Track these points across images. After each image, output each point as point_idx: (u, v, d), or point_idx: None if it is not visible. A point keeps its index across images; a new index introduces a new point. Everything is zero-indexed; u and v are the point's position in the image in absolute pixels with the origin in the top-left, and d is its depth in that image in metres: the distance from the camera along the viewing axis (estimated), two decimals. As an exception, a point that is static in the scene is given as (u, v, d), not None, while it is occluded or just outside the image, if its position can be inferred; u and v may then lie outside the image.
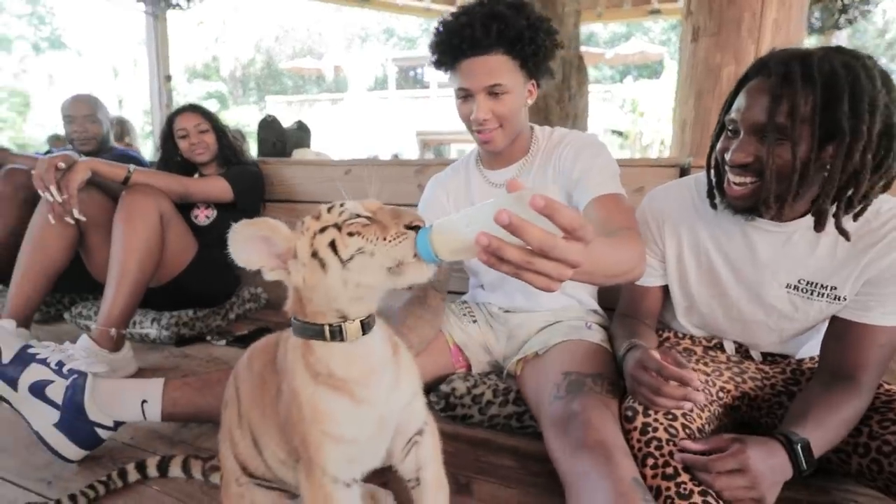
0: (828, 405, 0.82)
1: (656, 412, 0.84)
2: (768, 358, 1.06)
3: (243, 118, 17.12)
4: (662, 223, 1.06)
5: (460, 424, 1.16)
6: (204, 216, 1.85)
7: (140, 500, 0.90)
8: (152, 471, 0.95)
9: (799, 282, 0.92)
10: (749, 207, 0.87)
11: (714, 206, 0.96)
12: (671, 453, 0.77)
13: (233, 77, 18.88)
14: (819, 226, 0.82)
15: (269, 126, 3.13)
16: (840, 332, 0.89)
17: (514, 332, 1.24)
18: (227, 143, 1.92)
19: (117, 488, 0.92)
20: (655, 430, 0.81)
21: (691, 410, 0.87)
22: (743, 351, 1.07)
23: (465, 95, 1.11)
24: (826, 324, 0.94)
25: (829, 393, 0.84)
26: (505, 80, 1.07)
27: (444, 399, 1.16)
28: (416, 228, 0.59)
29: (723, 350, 1.09)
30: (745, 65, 0.99)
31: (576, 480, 0.75)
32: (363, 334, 0.64)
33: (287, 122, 3.49)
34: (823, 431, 0.79)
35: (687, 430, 0.82)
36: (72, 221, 1.42)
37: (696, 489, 0.72)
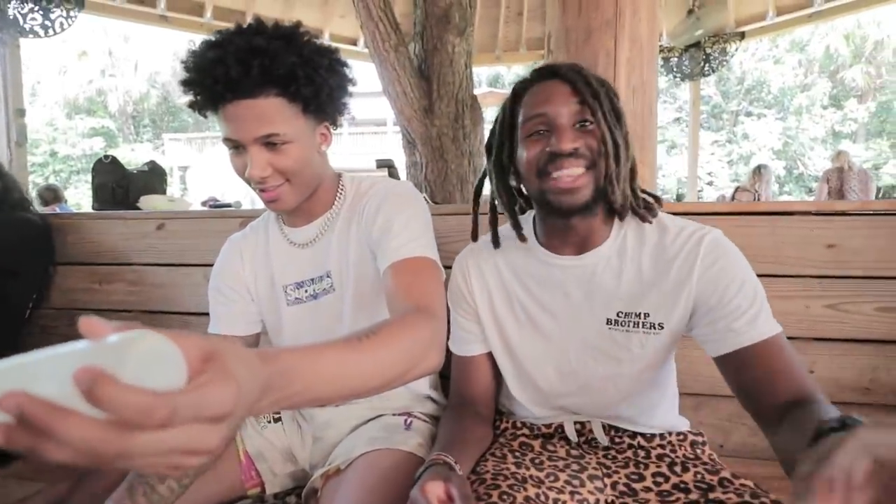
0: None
1: None
2: (615, 440, 0.89)
3: (137, 157, 15.65)
4: (469, 276, 0.93)
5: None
6: (-50, 288, 1.41)
7: None
8: None
9: (617, 315, 0.84)
10: (586, 202, 0.79)
11: (523, 237, 0.87)
12: None
13: (123, 113, 17.35)
14: (623, 210, 0.82)
15: (106, 169, 2.66)
16: (744, 365, 0.73)
17: (320, 434, 0.97)
18: None
19: None
20: None
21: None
22: (587, 433, 0.90)
23: (235, 147, 0.85)
24: (661, 379, 0.87)
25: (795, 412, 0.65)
26: (281, 128, 0.81)
27: (212, 544, 0.86)
28: None
29: (565, 439, 0.90)
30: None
31: None
32: None
33: (187, 160, 2.99)
34: None
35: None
36: None
37: None
